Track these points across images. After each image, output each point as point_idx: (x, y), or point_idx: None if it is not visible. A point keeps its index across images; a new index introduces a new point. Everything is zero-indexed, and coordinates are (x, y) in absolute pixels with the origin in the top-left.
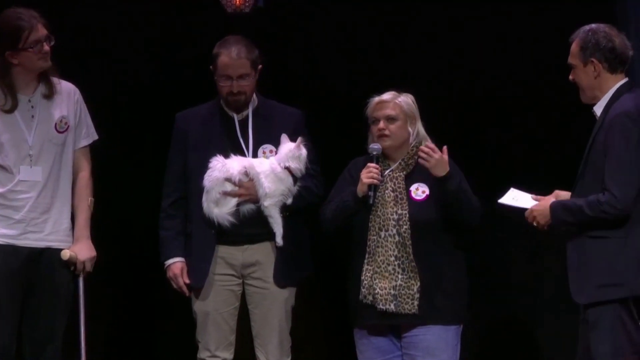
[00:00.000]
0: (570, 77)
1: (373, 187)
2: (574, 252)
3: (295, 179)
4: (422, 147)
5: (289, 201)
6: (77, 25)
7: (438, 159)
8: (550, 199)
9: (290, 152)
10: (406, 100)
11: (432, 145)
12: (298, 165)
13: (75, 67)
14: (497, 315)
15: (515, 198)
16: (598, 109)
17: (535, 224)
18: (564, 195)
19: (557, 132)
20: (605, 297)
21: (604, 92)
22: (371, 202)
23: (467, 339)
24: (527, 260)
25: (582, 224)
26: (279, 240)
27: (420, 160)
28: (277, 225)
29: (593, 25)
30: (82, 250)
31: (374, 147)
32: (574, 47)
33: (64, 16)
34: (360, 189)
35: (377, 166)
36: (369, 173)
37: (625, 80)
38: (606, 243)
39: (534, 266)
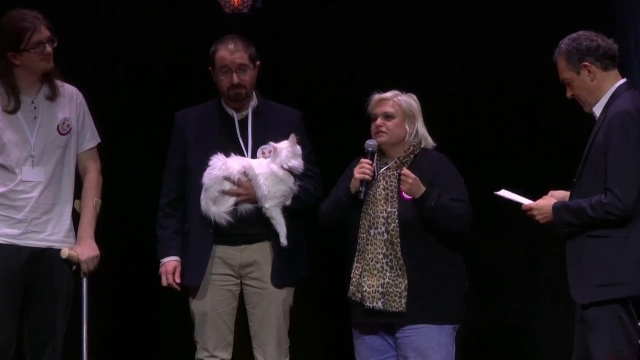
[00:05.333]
0: (568, 94)
1: (365, 183)
2: (573, 252)
3: (295, 177)
4: (403, 171)
5: (288, 202)
6: (76, 26)
7: (412, 182)
8: (551, 199)
9: (289, 152)
10: (407, 99)
11: (407, 171)
12: (298, 163)
13: (73, 67)
14: (494, 315)
15: (509, 197)
16: (597, 110)
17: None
18: (560, 194)
19: (555, 132)
20: (604, 297)
21: (603, 92)
22: (362, 197)
23: (463, 339)
24: (523, 260)
25: (585, 225)
26: (283, 240)
27: (401, 186)
28: (280, 225)
29: (572, 35)
30: (84, 250)
31: (370, 143)
32: (561, 63)
33: (62, 17)
34: (353, 184)
35: (370, 162)
36: (361, 168)
37: (623, 80)
38: (606, 242)
39: (531, 265)
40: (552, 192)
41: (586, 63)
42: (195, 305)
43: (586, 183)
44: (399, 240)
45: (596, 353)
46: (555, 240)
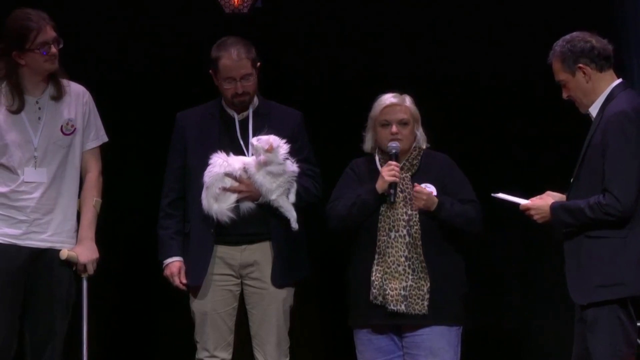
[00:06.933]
0: (564, 95)
1: (394, 185)
2: (572, 252)
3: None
4: (416, 189)
5: (291, 198)
6: (75, 25)
7: (426, 199)
8: (548, 199)
9: (280, 154)
10: (412, 102)
11: (419, 188)
12: (285, 148)
13: (73, 68)
14: (494, 315)
15: (507, 198)
16: (593, 110)
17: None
18: (556, 196)
19: (553, 132)
20: (603, 297)
21: (599, 93)
22: (392, 200)
23: (464, 339)
24: (523, 260)
25: (583, 225)
26: (294, 224)
27: (414, 202)
28: (290, 212)
29: (565, 37)
30: (84, 252)
31: (393, 145)
32: (556, 65)
33: (62, 17)
34: (381, 186)
35: (397, 164)
36: (391, 170)
37: (619, 81)
38: (605, 243)
39: (530, 266)
40: (548, 192)
41: (581, 65)
42: (196, 305)
43: (584, 183)
44: (421, 242)
45: (595, 353)
46: (554, 240)
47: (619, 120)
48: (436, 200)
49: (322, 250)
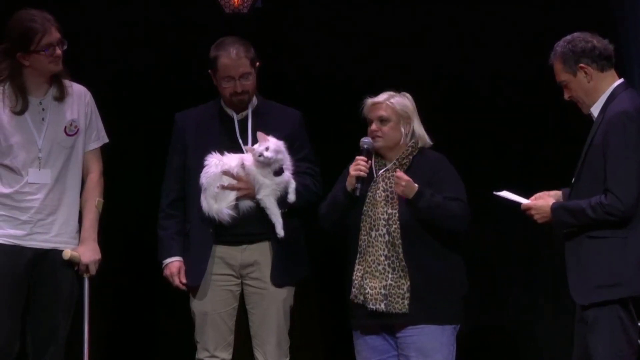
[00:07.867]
0: (566, 96)
1: (360, 180)
2: (573, 252)
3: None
4: (397, 174)
5: (291, 198)
6: (75, 25)
7: (405, 185)
8: (549, 199)
9: (278, 154)
10: (400, 100)
11: (400, 174)
12: (283, 150)
13: (73, 68)
14: (493, 315)
15: (509, 197)
16: (595, 110)
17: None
18: (557, 194)
19: (554, 132)
20: (604, 298)
21: (601, 93)
22: (357, 194)
23: (463, 339)
24: (523, 259)
25: (584, 226)
26: (280, 231)
27: (394, 187)
28: (275, 216)
29: (566, 37)
30: (86, 252)
31: (365, 140)
32: (557, 66)
33: (62, 17)
34: (349, 182)
35: (365, 159)
36: (356, 165)
37: (620, 80)
38: (605, 243)
39: (530, 265)
40: (547, 192)
41: (582, 65)
42: (196, 305)
43: (585, 184)
44: (400, 241)
45: (596, 354)
46: (555, 240)
47: (621, 120)
48: (416, 187)
49: (321, 250)
